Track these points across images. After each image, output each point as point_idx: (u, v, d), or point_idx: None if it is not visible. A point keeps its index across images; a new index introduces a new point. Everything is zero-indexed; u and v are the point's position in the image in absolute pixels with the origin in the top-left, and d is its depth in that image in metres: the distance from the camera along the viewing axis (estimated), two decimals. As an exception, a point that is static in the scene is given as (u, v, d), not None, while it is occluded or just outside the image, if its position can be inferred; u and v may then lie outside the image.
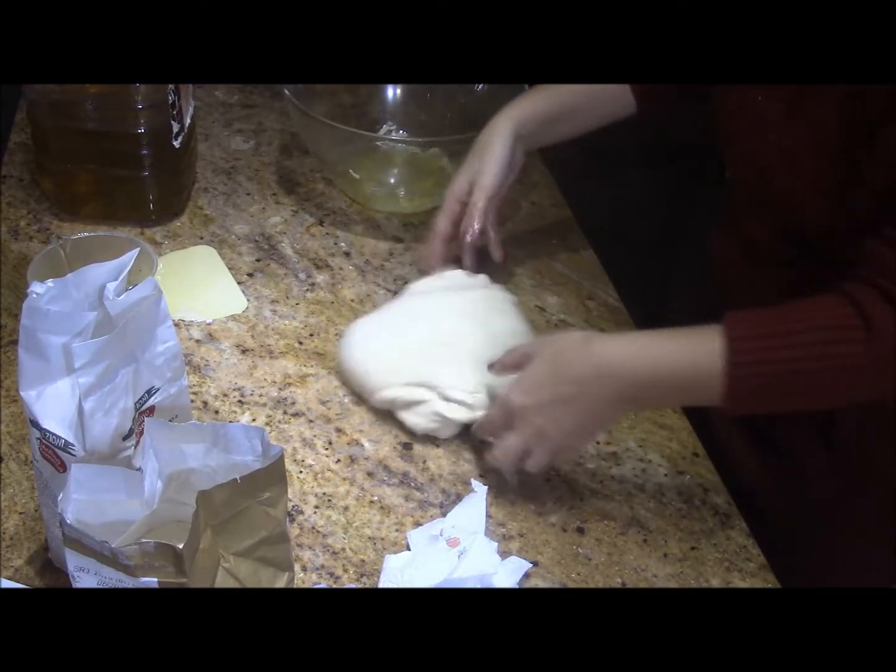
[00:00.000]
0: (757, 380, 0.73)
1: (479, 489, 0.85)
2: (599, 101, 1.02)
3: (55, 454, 0.67)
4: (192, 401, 0.89)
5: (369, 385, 0.91)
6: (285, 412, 0.91)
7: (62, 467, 0.67)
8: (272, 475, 0.65)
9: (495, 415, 0.84)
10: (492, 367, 0.86)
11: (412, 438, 0.90)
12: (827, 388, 0.75)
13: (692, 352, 0.75)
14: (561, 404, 0.79)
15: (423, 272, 1.04)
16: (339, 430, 0.90)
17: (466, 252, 1.01)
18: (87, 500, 0.62)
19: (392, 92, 1.27)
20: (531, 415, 0.80)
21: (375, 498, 0.84)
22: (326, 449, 0.88)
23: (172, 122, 1.06)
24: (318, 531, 0.80)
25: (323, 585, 0.76)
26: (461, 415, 0.88)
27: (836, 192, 0.80)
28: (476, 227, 0.99)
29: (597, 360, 0.78)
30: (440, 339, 0.91)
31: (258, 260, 1.09)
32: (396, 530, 0.81)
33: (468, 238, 0.99)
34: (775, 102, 0.83)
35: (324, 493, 0.84)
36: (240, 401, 0.91)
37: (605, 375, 0.77)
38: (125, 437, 0.69)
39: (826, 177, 0.80)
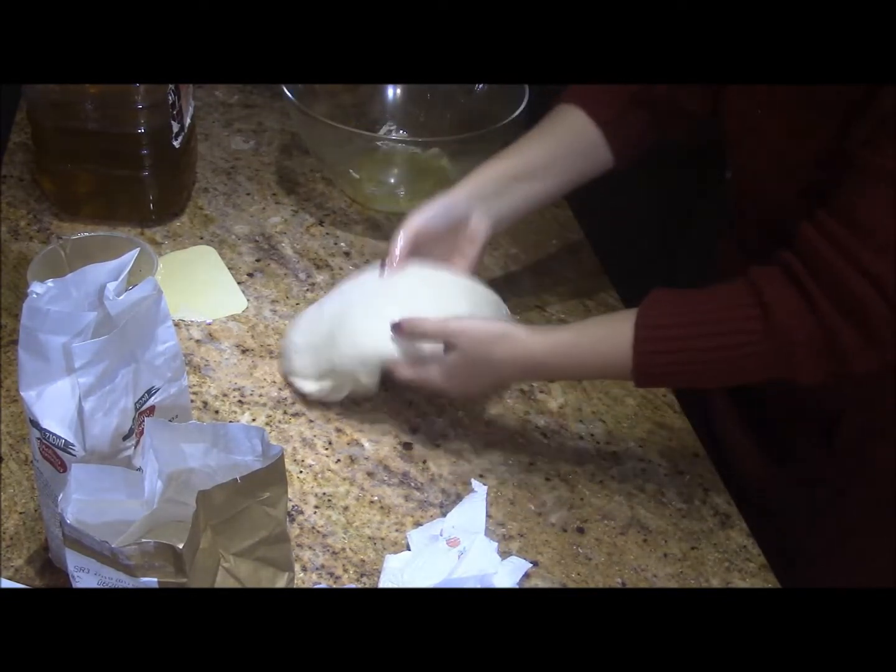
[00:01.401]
0: (660, 367, 0.80)
1: (479, 489, 0.85)
2: (572, 157, 0.97)
3: (55, 454, 0.67)
4: (192, 401, 0.89)
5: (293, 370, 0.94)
6: (285, 412, 0.91)
7: (62, 467, 0.67)
8: (272, 475, 0.65)
9: (410, 376, 0.88)
10: (396, 327, 0.86)
11: (412, 438, 0.90)
12: (728, 374, 0.81)
13: (604, 348, 0.82)
14: (479, 386, 0.90)
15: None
16: (339, 430, 0.90)
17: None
18: (87, 500, 0.62)
19: (392, 92, 1.27)
20: (449, 393, 0.90)
21: (375, 498, 0.84)
22: (326, 449, 0.88)
23: (172, 122, 1.06)
24: (318, 531, 0.80)
25: (323, 585, 0.76)
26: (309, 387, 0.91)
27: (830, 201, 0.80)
28: (391, 255, 0.93)
29: (521, 360, 0.84)
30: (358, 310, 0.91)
31: (258, 260, 1.09)
32: (396, 530, 0.81)
33: (385, 267, 0.93)
34: (773, 113, 0.83)
35: (324, 493, 0.84)
36: (240, 401, 0.91)
37: (527, 370, 0.88)
38: (125, 437, 0.69)
39: (820, 186, 0.80)
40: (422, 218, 0.93)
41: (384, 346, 0.87)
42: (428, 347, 0.87)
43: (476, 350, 0.84)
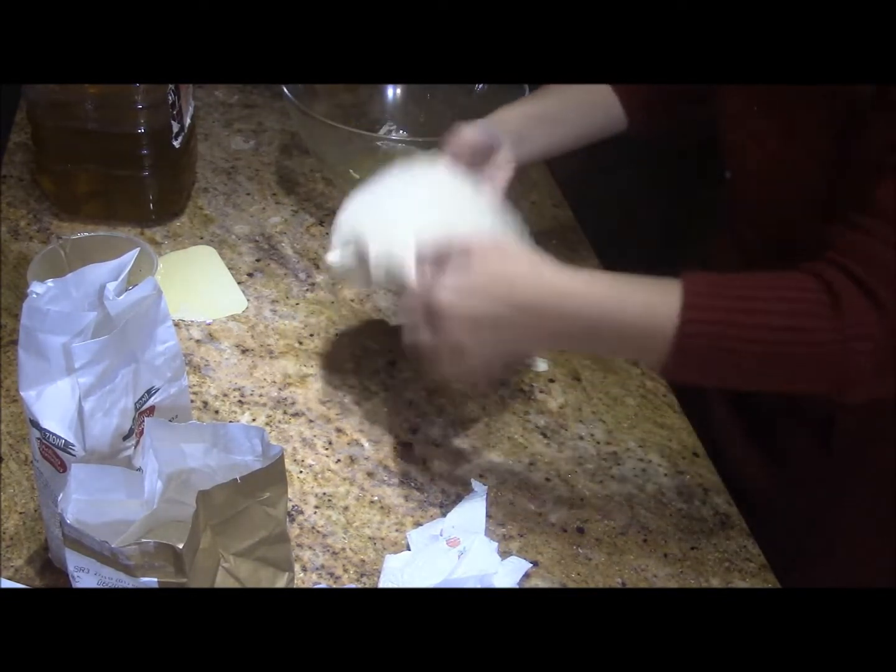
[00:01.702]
0: (708, 340, 0.68)
1: (479, 489, 0.85)
2: (591, 113, 0.99)
3: (55, 454, 0.67)
4: (192, 401, 0.89)
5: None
6: (285, 412, 0.91)
7: (62, 467, 0.67)
8: (272, 475, 0.65)
9: (416, 302, 0.74)
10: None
11: (412, 438, 0.90)
12: (783, 363, 0.70)
13: (649, 302, 0.70)
14: (490, 326, 0.71)
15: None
16: (339, 430, 0.90)
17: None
18: (87, 500, 0.62)
19: (392, 92, 1.27)
20: (454, 325, 0.71)
21: (375, 498, 0.84)
22: (326, 449, 0.88)
23: (172, 122, 1.06)
24: (318, 531, 0.80)
25: (323, 585, 0.76)
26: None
27: (829, 203, 0.80)
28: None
29: (546, 291, 0.71)
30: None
31: (258, 260, 1.09)
32: (396, 530, 0.81)
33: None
34: (771, 114, 0.83)
35: (324, 493, 0.84)
36: (240, 401, 0.91)
37: (550, 308, 0.71)
38: (125, 437, 0.69)
39: (818, 187, 0.81)
40: (471, 131, 0.91)
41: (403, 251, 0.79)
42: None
43: (496, 263, 0.72)
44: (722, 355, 0.69)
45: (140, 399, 0.70)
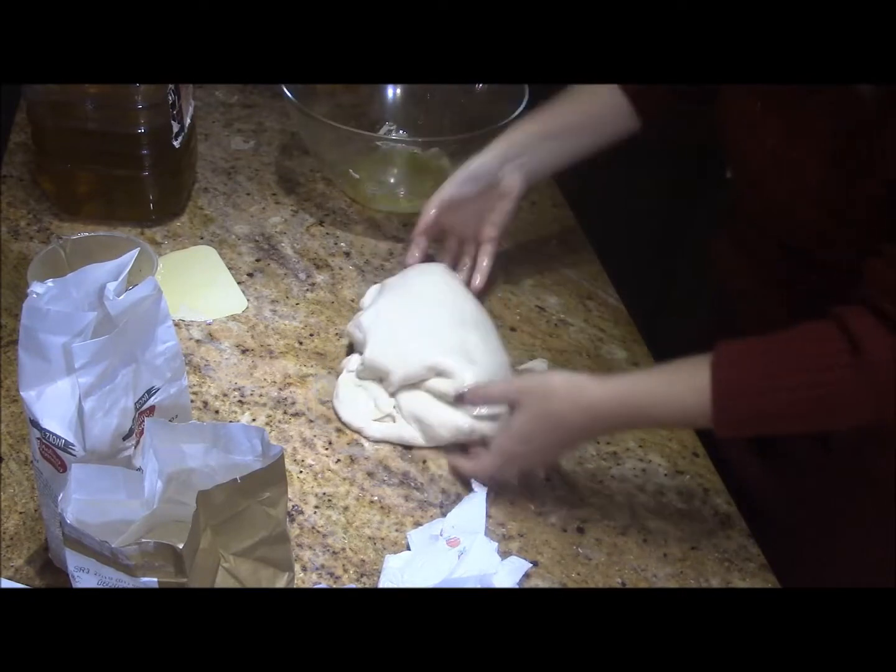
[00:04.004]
0: (744, 412, 0.74)
1: (479, 489, 0.85)
2: (600, 119, 1.00)
3: (55, 454, 0.67)
4: (192, 401, 0.89)
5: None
6: (285, 412, 0.91)
7: (62, 467, 0.67)
8: (272, 475, 0.65)
9: (483, 454, 0.85)
10: (460, 398, 0.86)
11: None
12: (816, 416, 0.75)
13: (680, 392, 0.76)
14: (548, 446, 0.83)
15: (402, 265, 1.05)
16: (339, 430, 0.90)
17: (413, 246, 1.02)
18: (87, 500, 0.62)
19: (392, 92, 1.27)
20: (516, 461, 0.84)
21: (375, 498, 0.84)
22: (326, 449, 0.88)
23: (172, 122, 1.06)
24: (318, 531, 0.80)
25: (323, 585, 0.76)
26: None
27: (831, 202, 0.80)
28: (417, 231, 0.98)
29: (586, 410, 0.80)
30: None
31: (258, 260, 1.09)
32: (396, 530, 0.81)
33: (412, 239, 0.98)
34: (773, 113, 0.83)
35: (324, 493, 0.84)
36: (240, 401, 0.91)
37: (596, 421, 0.80)
38: (125, 437, 0.69)
39: (821, 187, 0.80)
40: (450, 188, 0.96)
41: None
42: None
43: (540, 405, 0.81)
44: (761, 416, 0.75)
45: (140, 399, 0.70)
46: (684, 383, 0.76)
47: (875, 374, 0.71)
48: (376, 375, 0.91)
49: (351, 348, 0.97)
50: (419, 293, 0.97)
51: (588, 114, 1.00)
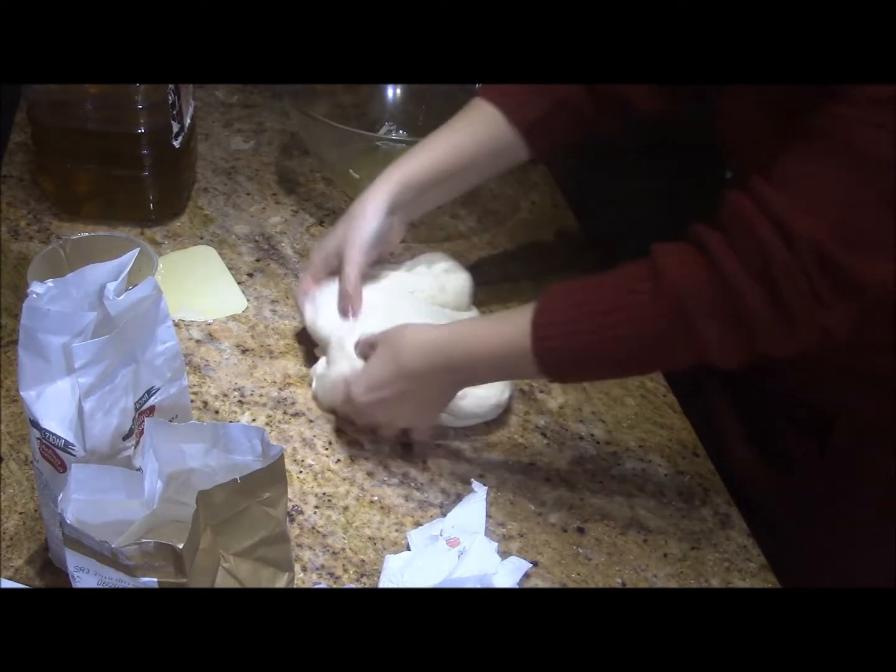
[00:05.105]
0: (557, 346, 0.76)
1: (479, 489, 0.85)
2: (486, 158, 0.95)
3: (55, 454, 0.67)
4: (192, 401, 0.89)
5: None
6: (285, 412, 0.91)
7: (62, 467, 0.67)
8: (272, 475, 0.65)
9: (345, 405, 0.87)
10: (356, 347, 0.88)
11: (412, 438, 0.90)
12: (625, 348, 0.75)
13: (505, 332, 0.79)
14: (399, 399, 0.84)
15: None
16: (339, 430, 0.90)
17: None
18: (87, 500, 0.62)
19: (392, 92, 1.27)
20: (374, 410, 0.85)
21: (375, 498, 0.84)
22: (326, 449, 0.88)
23: (172, 122, 1.06)
24: (318, 531, 0.80)
25: (323, 585, 0.76)
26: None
27: None
28: (354, 305, 0.93)
29: (426, 352, 0.82)
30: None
31: (258, 260, 1.09)
32: (396, 530, 0.81)
33: (351, 317, 0.92)
34: (769, 116, 0.84)
35: (324, 493, 0.84)
36: (240, 401, 0.91)
37: (436, 366, 0.82)
38: (125, 437, 0.69)
39: None
40: (361, 256, 0.92)
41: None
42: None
43: (388, 350, 0.84)
44: (580, 362, 0.78)
45: (140, 399, 0.70)
46: (509, 320, 0.80)
47: (671, 293, 0.71)
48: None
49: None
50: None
51: (477, 153, 0.94)
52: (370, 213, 0.93)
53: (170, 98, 1.04)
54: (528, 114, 0.93)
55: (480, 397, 0.89)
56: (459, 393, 0.86)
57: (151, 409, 0.72)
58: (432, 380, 0.83)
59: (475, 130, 0.95)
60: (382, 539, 0.80)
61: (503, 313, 0.83)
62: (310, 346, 0.98)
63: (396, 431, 0.88)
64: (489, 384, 0.89)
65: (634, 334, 0.74)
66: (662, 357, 0.78)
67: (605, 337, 0.75)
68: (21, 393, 0.66)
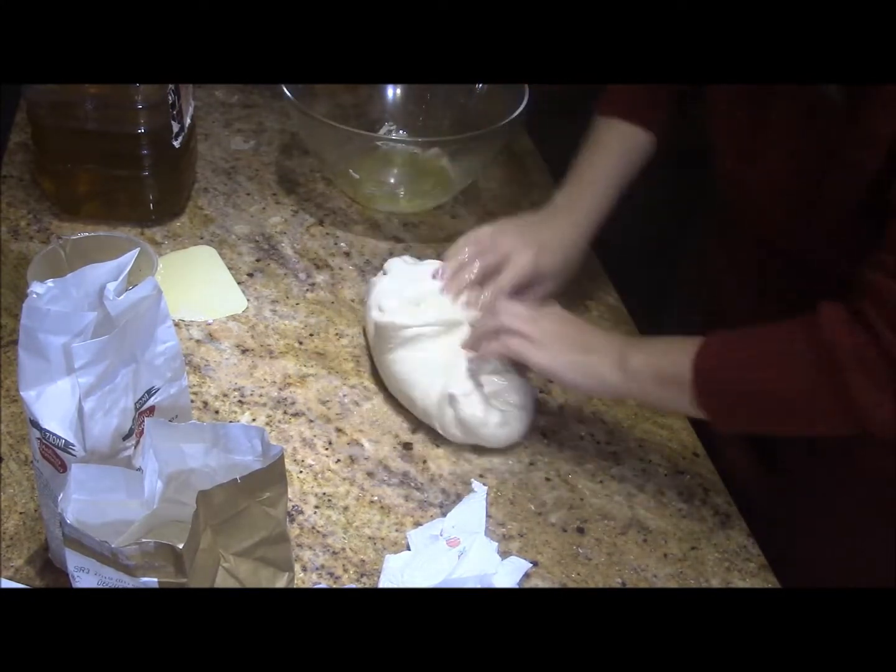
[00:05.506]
0: (719, 398, 0.78)
1: (479, 489, 0.85)
2: (630, 172, 1.01)
3: (55, 454, 0.67)
4: (192, 401, 0.89)
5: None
6: (285, 412, 0.91)
7: (62, 467, 0.67)
8: (272, 475, 0.65)
9: (493, 299, 0.91)
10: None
11: (412, 438, 0.90)
12: (786, 411, 0.77)
13: (676, 360, 0.80)
14: (555, 332, 0.86)
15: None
16: (339, 430, 0.90)
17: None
18: (87, 500, 0.62)
19: (392, 92, 1.27)
20: (525, 323, 0.86)
21: (375, 498, 0.84)
22: (326, 449, 0.88)
23: (172, 122, 1.06)
24: (318, 531, 0.80)
25: (323, 585, 0.76)
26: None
27: (802, 202, 0.81)
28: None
29: (613, 341, 0.86)
30: None
31: (258, 260, 1.09)
32: (396, 530, 0.81)
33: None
34: (744, 112, 0.84)
35: (324, 493, 0.84)
36: (240, 401, 0.91)
37: (612, 339, 0.86)
38: (125, 437, 0.69)
39: (791, 187, 0.82)
40: (512, 287, 0.95)
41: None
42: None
43: (569, 319, 0.88)
44: (738, 410, 0.78)
45: (140, 399, 0.70)
46: (672, 352, 0.81)
47: (828, 346, 0.71)
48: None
49: (356, 349, 0.97)
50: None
51: (624, 174, 1.01)
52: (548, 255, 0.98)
53: (170, 98, 1.04)
54: (653, 112, 1.00)
55: (497, 436, 0.89)
56: (481, 421, 0.87)
57: (151, 410, 0.72)
58: (597, 341, 0.85)
59: (615, 152, 1.01)
60: (382, 539, 0.80)
61: (668, 339, 0.84)
62: (310, 346, 0.98)
63: (505, 355, 0.87)
64: (520, 421, 0.89)
65: (788, 382, 0.76)
66: (812, 413, 0.77)
67: (764, 395, 0.77)
68: (21, 393, 0.66)
